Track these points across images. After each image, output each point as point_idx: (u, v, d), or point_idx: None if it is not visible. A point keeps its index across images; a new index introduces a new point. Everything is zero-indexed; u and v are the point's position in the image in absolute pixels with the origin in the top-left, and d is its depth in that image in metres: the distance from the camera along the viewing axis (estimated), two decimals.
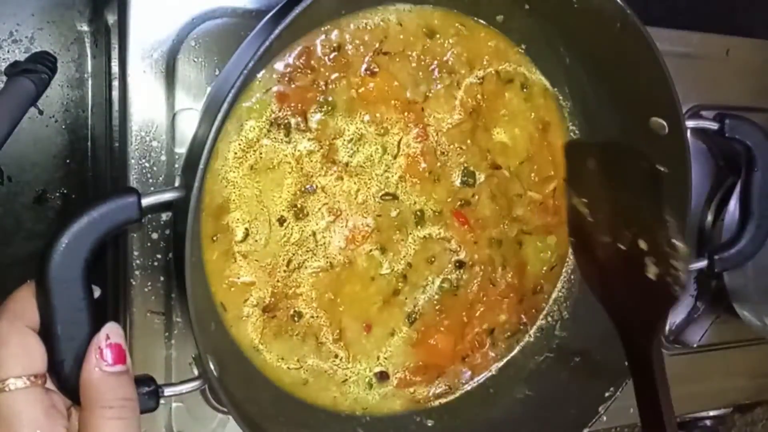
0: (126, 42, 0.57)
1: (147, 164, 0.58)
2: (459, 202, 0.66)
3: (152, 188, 0.58)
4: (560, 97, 0.69)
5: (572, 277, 0.73)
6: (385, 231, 0.63)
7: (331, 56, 0.60)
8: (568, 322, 0.72)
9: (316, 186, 0.61)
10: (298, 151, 0.60)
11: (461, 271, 0.67)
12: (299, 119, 0.59)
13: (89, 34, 0.68)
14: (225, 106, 0.47)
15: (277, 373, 0.63)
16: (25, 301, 0.47)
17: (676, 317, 0.83)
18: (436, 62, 0.63)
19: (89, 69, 0.68)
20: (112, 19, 0.61)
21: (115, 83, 0.60)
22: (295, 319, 0.62)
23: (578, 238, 0.70)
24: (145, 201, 0.49)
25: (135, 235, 0.59)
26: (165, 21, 0.58)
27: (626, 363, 0.62)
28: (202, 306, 0.58)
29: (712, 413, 0.90)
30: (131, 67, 0.58)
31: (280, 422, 0.61)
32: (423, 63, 0.63)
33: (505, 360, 0.71)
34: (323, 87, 0.60)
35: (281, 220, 0.60)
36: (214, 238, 0.58)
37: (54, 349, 0.47)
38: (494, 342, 0.70)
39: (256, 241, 0.60)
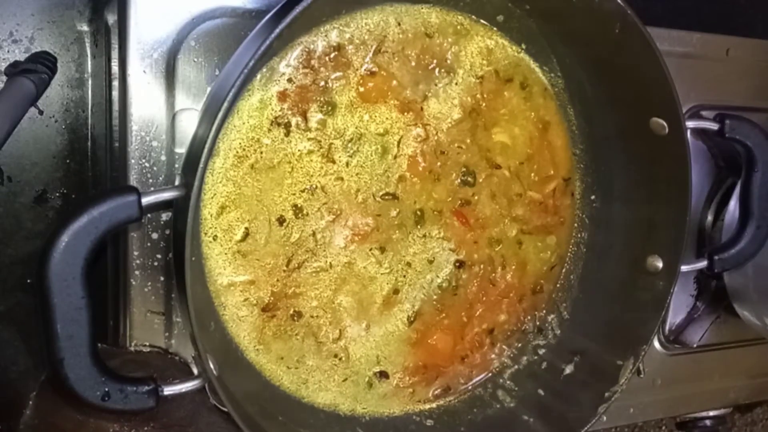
0: (126, 42, 0.57)
1: (147, 164, 0.58)
2: (459, 202, 0.66)
3: (152, 188, 0.58)
4: (560, 97, 0.69)
5: (572, 277, 0.72)
6: (385, 231, 0.63)
7: (331, 56, 0.60)
8: (567, 322, 0.72)
9: (316, 185, 0.61)
10: (298, 150, 0.60)
11: (461, 270, 0.67)
12: (299, 119, 0.59)
13: (89, 34, 0.68)
14: (225, 105, 0.48)
15: (277, 372, 0.63)
16: None
17: (676, 317, 0.83)
18: (435, 62, 0.63)
19: (89, 69, 0.68)
20: (112, 19, 0.61)
21: (115, 83, 0.60)
22: (295, 318, 0.62)
23: None
24: (145, 200, 0.49)
25: (135, 235, 0.59)
26: (165, 21, 0.58)
27: None
28: (202, 305, 0.58)
29: (712, 413, 0.90)
30: (131, 67, 0.58)
31: (280, 422, 0.61)
32: (422, 62, 0.63)
33: (504, 360, 0.71)
34: (323, 87, 0.60)
35: (281, 220, 0.60)
36: (214, 238, 0.58)
37: (53, 347, 0.47)
38: (494, 342, 0.70)
39: (256, 240, 0.60)
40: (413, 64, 0.63)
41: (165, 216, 0.59)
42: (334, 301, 0.63)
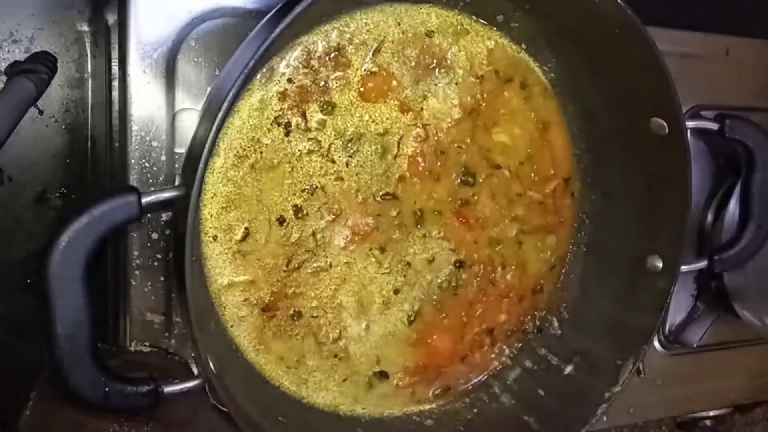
0: (126, 42, 0.57)
1: (147, 164, 0.58)
2: (459, 202, 0.66)
3: (152, 188, 0.58)
4: (560, 97, 0.69)
5: (572, 277, 0.72)
6: (385, 231, 0.63)
7: (331, 56, 0.60)
8: (567, 321, 0.72)
9: (316, 185, 0.61)
10: (299, 150, 0.60)
11: (461, 270, 0.67)
12: (299, 119, 0.59)
13: (89, 34, 0.68)
14: (226, 105, 0.48)
15: (277, 372, 0.63)
16: None
17: (676, 317, 0.83)
18: (435, 61, 0.63)
19: (89, 69, 0.68)
20: (112, 19, 0.62)
21: (115, 83, 0.60)
22: (295, 318, 0.62)
23: None
24: (146, 200, 0.49)
25: (135, 235, 0.59)
26: (165, 21, 0.58)
27: None
28: (202, 305, 0.58)
29: (712, 413, 0.90)
30: (131, 67, 0.58)
31: (280, 422, 0.61)
32: (422, 62, 0.63)
33: (504, 360, 0.71)
34: (323, 87, 0.60)
35: (281, 220, 0.60)
36: (214, 238, 0.58)
37: (53, 347, 0.47)
38: (494, 342, 0.70)
39: (256, 240, 0.60)
40: (413, 64, 0.63)
41: (165, 216, 0.59)
42: (334, 301, 0.63)
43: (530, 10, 0.63)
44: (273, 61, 0.58)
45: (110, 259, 0.62)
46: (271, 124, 0.59)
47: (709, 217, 0.82)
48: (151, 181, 0.59)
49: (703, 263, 0.73)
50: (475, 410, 0.70)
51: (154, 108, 0.58)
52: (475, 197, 0.66)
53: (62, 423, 0.55)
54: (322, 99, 0.60)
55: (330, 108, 0.60)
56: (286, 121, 0.59)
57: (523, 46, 0.67)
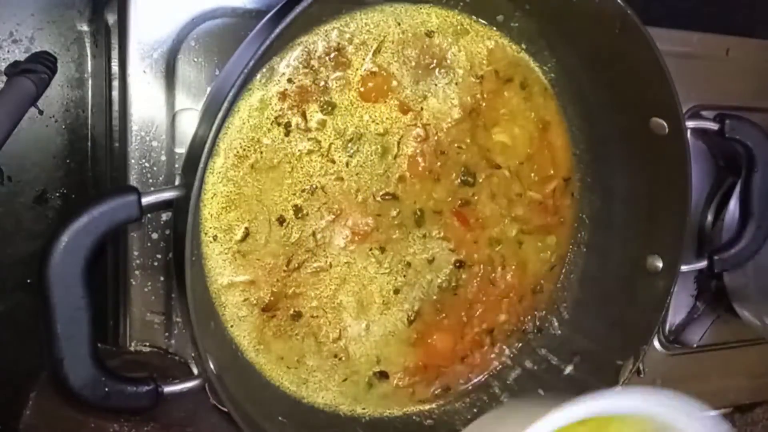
0: (126, 42, 0.57)
1: (147, 164, 0.59)
2: (459, 202, 0.66)
3: (152, 188, 0.58)
4: (560, 97, 0.69)
5: (572, 277, 0.72)
6: (385, 231, 0.63)
7: (331, 56, 0.60)
8: (567, 321, 0.72)
9: (316, 185, 0.61)
10: (299, 150, 0.60)
11: (461, 270, 0.67)
12: (299, 119, 0.59)
13: (89, 34, 0.68)
14: (225, 105, 0.48)
15: (277, 372, 0.63)
16: None
17: (676, 317, 0.83)
18: (435, 61, 0.63)
19: (89, 69, 0.68)
20: (112, 19, 0.62)
21: (115, 83, 0.60)
22: (295, 318, 0.62)
23: None
24: (145, 200, 0.50)
25: (135, 235, 0.59)
26: (165, 21, 0.58)
27: None
28: (202, 305, 0.58)
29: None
30: (131, 67, 0.58)
31: (280, 422, 0.61)
32: (422, 62, 0.63)
33: (504, 360, 0.71)
34: (323, 87, 0.60)
35: (281, 220, 0.60)
36: (214, 238, 0.58)
37: (53, 347, 0.47)
38: (494, 342, 0.70)
39: (256, 240, 0.60)
40: (413, 64, 0.63)
41: (165, 216, 0.59)
42: (334, 301, 0.63)
43: (530, 10, 0.63)
44: (273, 61, 0.58)
45: (110, 259, 0.62)
46: (271, 124, 0.59)
47: (709, 217, 0.82)
48: (151, 181, 0.59)
49: (703, 263, 0.73)
50: (475, 410, 0.70)
51: (154, 108, 0.58)
52: (475, 197, 0.66)
53: (62, 423, 0.55)
54: (322, 99, 0.60)
55: (330, 108, 0.60)
56: (286, 121, 0.59)
57: (523, 46, 0.67)
